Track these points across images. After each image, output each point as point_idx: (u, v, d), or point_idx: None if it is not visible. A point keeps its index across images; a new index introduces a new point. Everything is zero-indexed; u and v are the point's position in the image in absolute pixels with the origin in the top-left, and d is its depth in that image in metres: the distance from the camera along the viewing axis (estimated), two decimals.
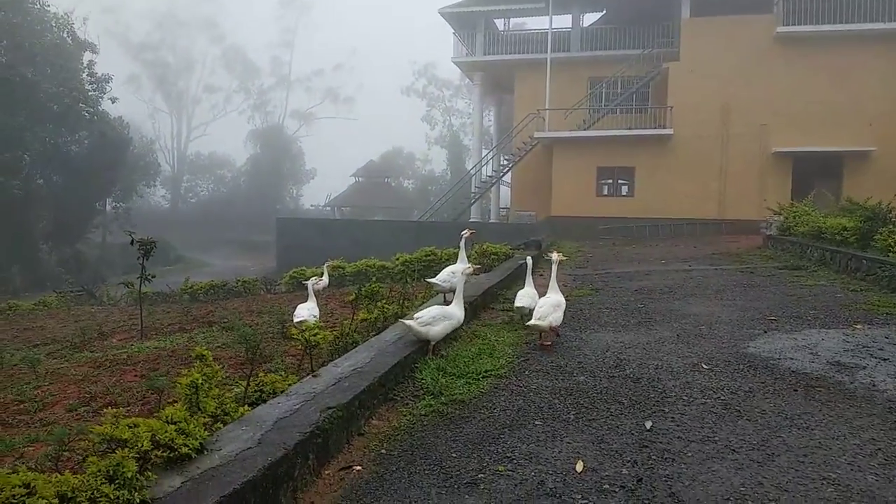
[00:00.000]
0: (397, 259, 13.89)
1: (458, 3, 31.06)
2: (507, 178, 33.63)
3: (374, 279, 13.79)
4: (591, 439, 3.72)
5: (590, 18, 32.40)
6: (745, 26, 26.21)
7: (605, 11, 31.86)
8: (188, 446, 2.93)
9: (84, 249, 39.67)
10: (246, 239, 49.21)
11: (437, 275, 8.96)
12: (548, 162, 28.45)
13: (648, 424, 3.89)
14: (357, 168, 59.55)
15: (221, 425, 3.45)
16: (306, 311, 7.01)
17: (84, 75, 36.24)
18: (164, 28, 70.86)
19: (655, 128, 27.17)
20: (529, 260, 7.60)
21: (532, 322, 5.85)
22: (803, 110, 25.36)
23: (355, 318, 6.50)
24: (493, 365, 5.23)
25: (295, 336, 5.23)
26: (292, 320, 7.09)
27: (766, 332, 6.21)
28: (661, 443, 3.63)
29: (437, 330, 5.42)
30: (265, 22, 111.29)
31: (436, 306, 5.66)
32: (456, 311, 5.63)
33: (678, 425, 3.87)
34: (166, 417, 3.08)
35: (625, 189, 27.98)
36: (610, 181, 28.11)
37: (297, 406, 3.80)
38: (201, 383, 3.47)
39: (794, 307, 7.50)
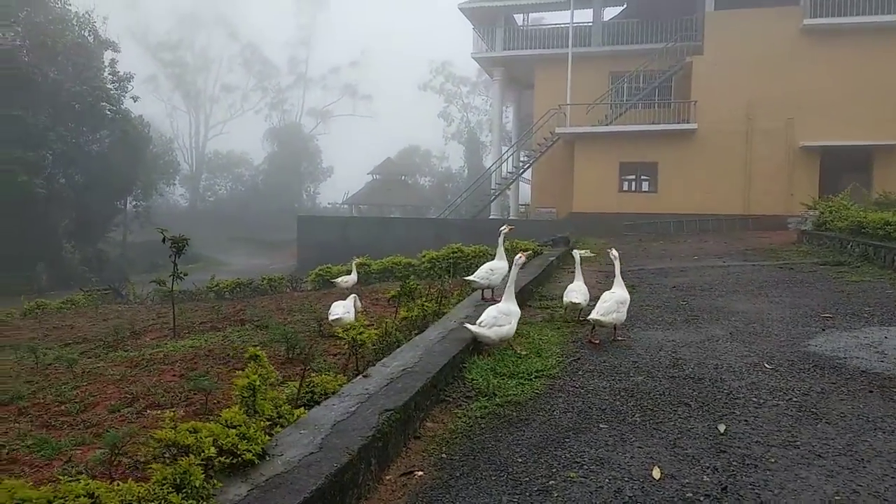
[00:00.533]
0: (423, 256, 13.73)
1: None
2: (527, 174, 33.43)
3: (401, 276, 13.72)
4: (663, 444, 3.53)
5: (610, 13, 32.09)
6: (770, 19, 25.74)
7: (625, 5, 31.51)
8: (251, 451, 2.78)
9: (106, 248, 39.98)
10: (264, 237, 49.35)
11: (471, 272, 8.82)
12: (569, 158, 28.17)
13: (722, 428, 3.69)
14: (374, 166, 59.52)
15: (279, 429, 3.30)
16: (341, 309, 6.86)
17: (106, 74, 36.48)
18: (183, 27, 71.33)
19: (679, 123, 26.79)
20: (577, 254, 7.42)
21: (595, 317, 5.60)
22: (831, 103, 24.88)
23: (396, 316, 6.35)
24: (543, 365, 5.04)
25: (339, 334, 5.08)
26: (327, 318, 6.94)
27: (823, 329, 5.97)
28: (738, 447, 3.43)
29: (506, 330, 5.21)
30: (282, 20, 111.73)
31: (492, 307, 5.44)
32: (513, 307, 5.37)
33: (753, 429, 3.67)
34: (225, 421, 2.93)
35: (648, 185, 27.64)
36: (633, 177, 27.78)
37: (354, 408, 3.65)
38: (258, 385, 3.32)
39: (845, 304, 7.23)
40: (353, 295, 7.19)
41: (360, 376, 4.38)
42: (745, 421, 3.78)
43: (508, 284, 5.60)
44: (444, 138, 67.83)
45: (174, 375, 5.88)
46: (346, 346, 5.11)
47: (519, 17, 33.72)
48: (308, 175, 68.69)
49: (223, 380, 5.43)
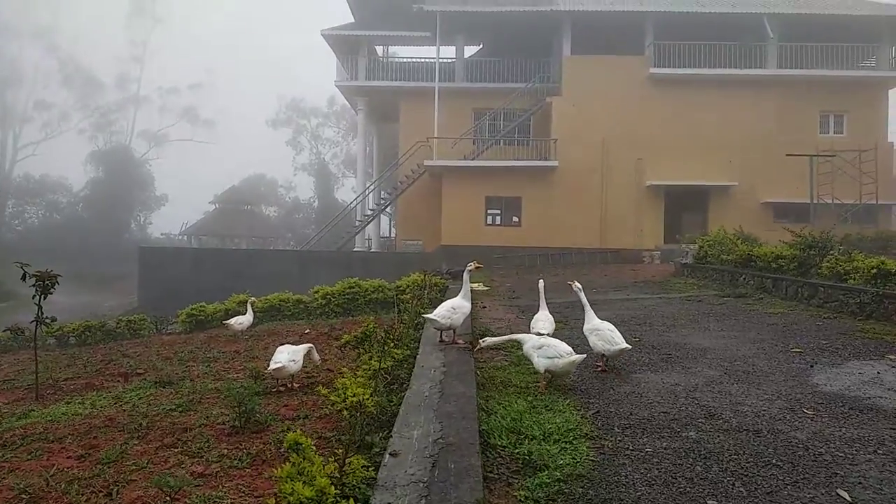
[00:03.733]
0: (316, 292, 12.51)
1: (342, 25, 30.12)
2: (388, 207, 32.86)
3: (292, 314, 12.34)
4: None
5: (470, 51, 32.80)
6: (621, 66, 27.66)
7: (481, 45, 32.38)
8: None
9: None
10: (92, 271, 43.91)
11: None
12: (435, 191, 28.02)
13: (847, 496, 3.17)
14: (216, 194, 55.88)
15: None
16: (286, 356, 5.68)
17: None
18: None
19: (541, 160, 27.72)
20: (542, 283, 7.22)
21: (621, 346, 5.61)
22: (674, 146, 27.07)
23: (357, 367, 5.29)
24: (566, 421, 4.30)
25: (326, 396, 3.97)
26: (266, 369, 5.72)
27: (811, 366, 5.83)
28: None
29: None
30: (110, 34, 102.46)
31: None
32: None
33: (878, 494, 3.19)
34: None
35: (513, 218, 28.17)
36: (498, 211, 28.20)
37: None
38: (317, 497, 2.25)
39: (799, 337, 7.29)
40: (309, 345, 6.01)
41: (388, 455, 3.36)
42: (861, 483, 3.30)
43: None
44: (293, 168, 65.70)
45: (70, 458, 4.39)
46: (321, 407, 4.03)
47: (379, 49, 33.44)
48: (139, 203, 62.81)
49: (156, 463, 4.10)
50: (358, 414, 3.88)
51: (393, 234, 36.59)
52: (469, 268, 6.87)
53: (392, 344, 5.67)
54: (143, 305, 25.71)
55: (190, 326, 12.20)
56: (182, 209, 59.48)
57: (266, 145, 75.41)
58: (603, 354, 5.75)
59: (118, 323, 12.58)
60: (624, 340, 5.70)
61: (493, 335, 7.76)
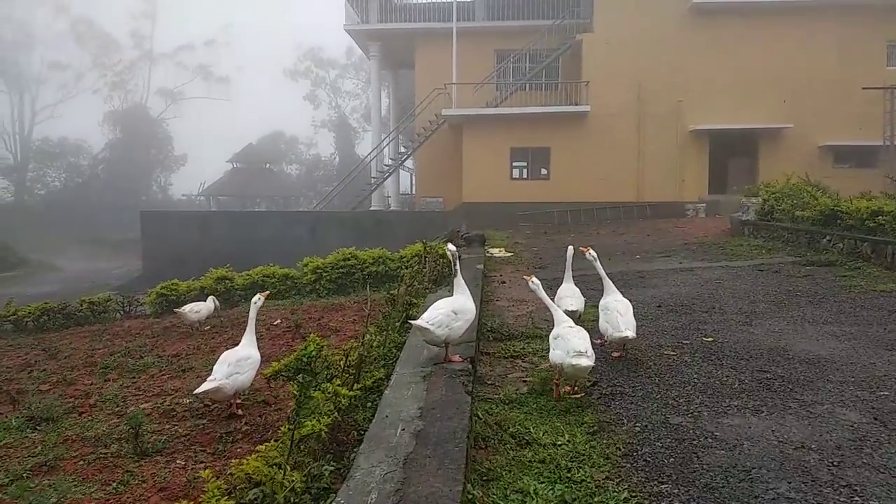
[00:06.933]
0: (306, 266, 10.61)
1: None
2: (408, 162, 30.71)
3: (277, 292, 10.48)
4: None
5: None
6: None
7: None
8: None
9: None
10: (108, 237, 42.82)
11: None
12: (456, 143, 25.77)
13: None
14: (234, 153, 54.09)
15: None
16: (223, 372, 3.95)
17: None
18: None
19: (571, 105, 25.16)
20: (570, 250, 6.15)
21: (622, 334, 4.72)
22: (719, 85, 24.27)
23: (282, 430, 3.34)
24: None
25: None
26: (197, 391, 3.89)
27: None
28: None
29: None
30: None
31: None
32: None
33: None
34: None
35: (541, 171, 25.82)
36: (524, 163, 25.85)
37: None
38: None
39: None
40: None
41: None
42: None
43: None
44: (314, 126, 63.49)
45: None
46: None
47: None
48: (158, 164, 61.53)
49: None
50: None
51: (414, 191, 34.52)
52: (451, 249, 4.86)
53: (348, 375, 3.72)
54: (147, 274, 24.26)
55: (160, 308, 10.46)
56: (202, 169, 58.04)
57: (285, 100, 73.07)
58: (610, 340, 5.01)
59: (81, 304, 10.86)
60: (629, 327, 4.79)
61: (510, 331, 5.83)
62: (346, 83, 63.29)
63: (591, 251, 5.48)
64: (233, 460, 2.71)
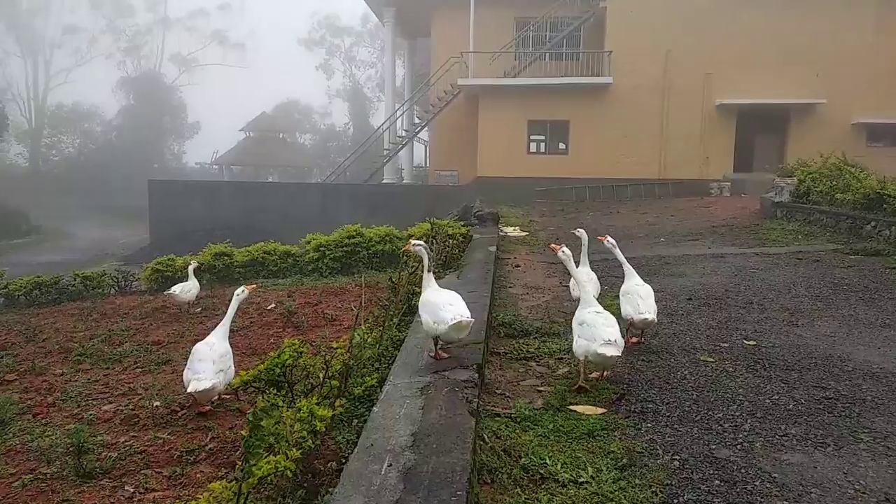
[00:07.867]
0: (308, 243, 10.01)
1: None
2: (423, 133, 29.91)
3: (277, 270, 9.92)
4: None
5: None
6: None
7: None
8: None
9: None
10: (121, 205, 42.43)
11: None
12: (471, 115, 24.92)
13: None
14: (247, 122, 53.41)
15: None
16: (209, 371, 3.42)
17: None
18: None
19: (592, 76, 24.13)
20: (584, 234, 5.75)
21: (642, 316, 4.56)
22: (749, 58, 23.12)
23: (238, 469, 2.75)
24: None
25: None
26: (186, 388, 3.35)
27: None
28: None
29: None
30: None
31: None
32: None
33: None
34: None
35: (559, 146, 24.93)
36: (542, 137, 24.98)
37: None
38: None
39: None
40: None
41: None
42: None
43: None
44: (328, 95, 62.56)
45: None
46: None
47: None
48: (172, 131, 61.03)
49: None
50: None
51: (428, 164, 33.74)
52: (415, 245, 4.25)
53: (330, 389, 3.12)
54: (153, 243, 23.89)
55: (155, 284, 9.94)
56: (216, 137, 57.47)
57: (300, 69, 71.96)
58: (631, 323, 4.74)
59: (75, 279, 10.36)
60: (650, 310, 4.59)
61: (524, 326, 5.22)
62: (362, 52, 62.15)
63: (610, 238, 5.27)
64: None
